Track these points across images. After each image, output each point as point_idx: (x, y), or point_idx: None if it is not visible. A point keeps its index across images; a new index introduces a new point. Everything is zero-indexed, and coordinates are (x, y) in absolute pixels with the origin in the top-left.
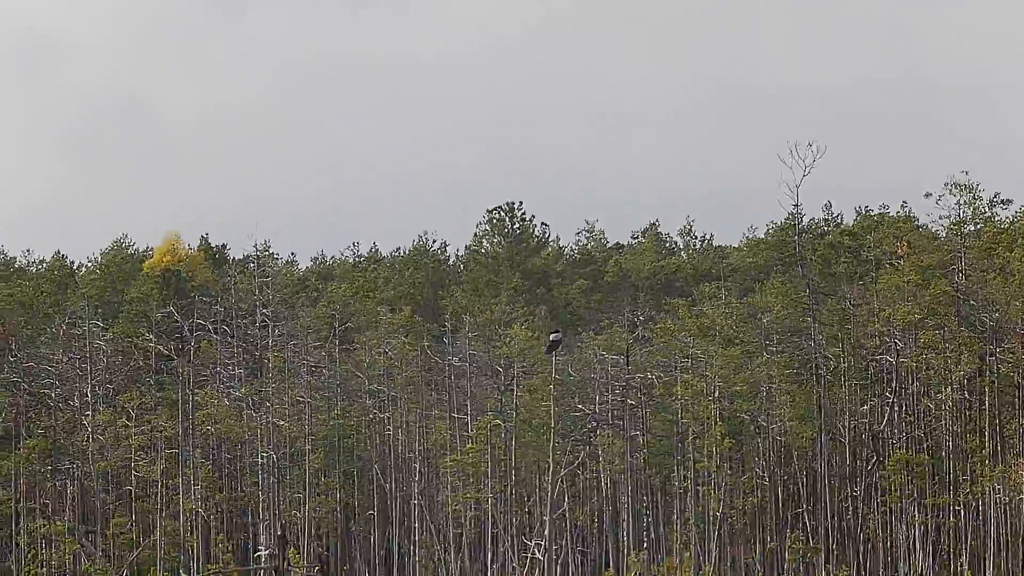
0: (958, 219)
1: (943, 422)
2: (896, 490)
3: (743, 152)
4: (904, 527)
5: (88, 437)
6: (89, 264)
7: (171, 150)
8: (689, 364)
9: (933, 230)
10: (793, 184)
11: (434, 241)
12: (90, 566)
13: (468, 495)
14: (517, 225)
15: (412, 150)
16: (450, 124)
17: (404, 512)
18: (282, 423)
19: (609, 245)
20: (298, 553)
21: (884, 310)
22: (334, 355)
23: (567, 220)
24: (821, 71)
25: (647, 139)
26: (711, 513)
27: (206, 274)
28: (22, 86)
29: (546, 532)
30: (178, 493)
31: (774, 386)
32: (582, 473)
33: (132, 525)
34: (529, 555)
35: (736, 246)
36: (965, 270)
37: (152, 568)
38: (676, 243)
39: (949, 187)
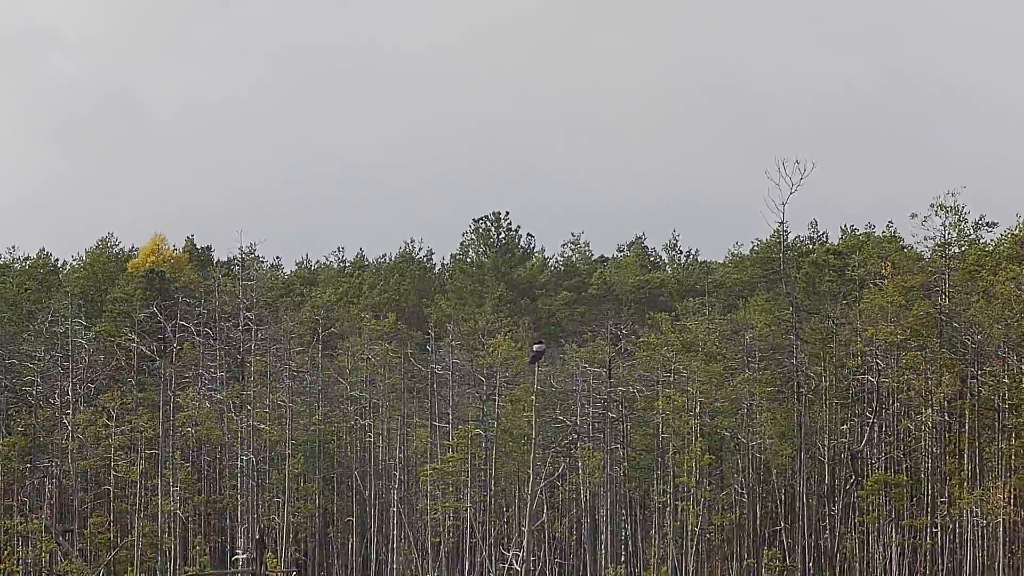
0: (943, 241)
1: (922, 443)
2: (874, 510)
3: (729, 166)
4: (881, 548)
5: (68, 436)
6: (74, 262)
7: (158, 146)
8: (671, 379)
9: (918, 251)
10: (779, 201)
11: (420, 249)
12: (66, 565)
13: (447, 504)
14: (503, 235)
15: (398, 156)
16: (438, 130)
17: (383, 519)
18: (263, 427)
19: (594, 258)
20: (275, 557)
21: (867, 330)
22: (317, 360)
23: (552, 231)
24: (810, 86)
25: (633, 151)
26: (689, 528)
27: (190, 275)
28: (8, 79)
29: (524, 543)
30: (156, 494)
31: (755, 403)
32: (561, 485)
33: (109, 525)
34: (507, 565)
35: (721, 262)
36: (948, 292)
37: (129, 568)
38: (661, 257)
39: (935, 208)
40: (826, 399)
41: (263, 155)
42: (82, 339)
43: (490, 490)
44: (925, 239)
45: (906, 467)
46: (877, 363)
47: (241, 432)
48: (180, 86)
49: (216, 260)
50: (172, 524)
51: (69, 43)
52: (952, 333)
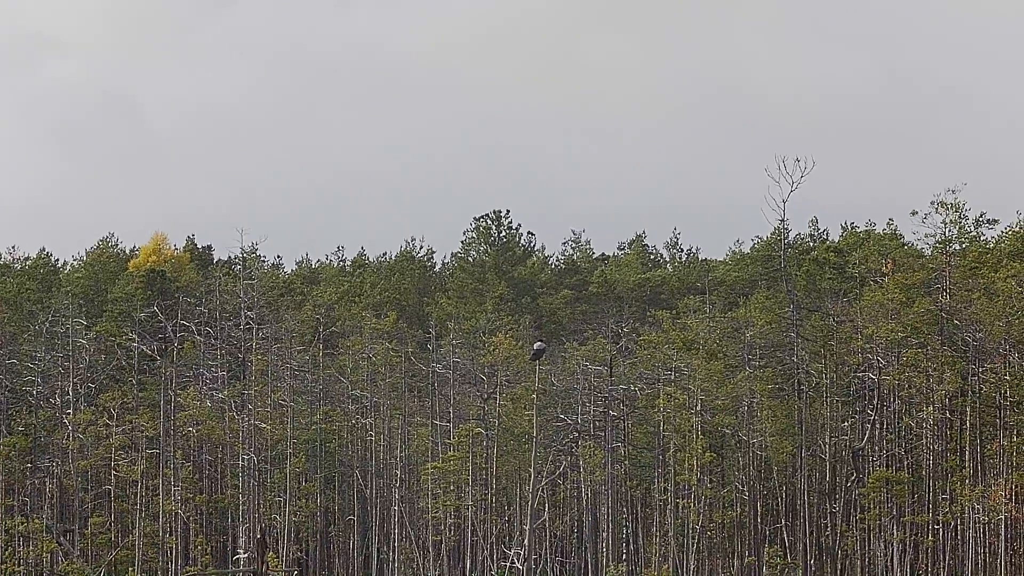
0: (944, 238)
1: (924, 440)
2: (875, 507)
3: (730, 165)
4: (882, 545)
5: (69, 435)
6: (74, 262)
7: (158, 148)
8: (672, 377)
9: (919, 248)
10: (780, 199)
11: (421, 247)
12: (67, 565)
13: (448, 502)
14: (504, 234)
15: (398, 156)
16: (439, 129)
17: (384, 518)
18: (264, 426)
19: (595, 256)
20: (277, 556)
21: (867, 327)
22: (318, 359)
23: (553, 229)
24: (810, 85)
25: (634, 149)
26: (690, 526)
27: (191, 275)
28: (8, 82)
29: (526, 541)
30: (158, 494)
31: (756, 401)
32: (563, 483)
33: (110, 525)
34: (508, 563)
35: (721, 260)
36: (949, 289)
37: (130, 568)
38: (662, 255)
39: (936, 206)
40: (827, 396)
41: (264, 156)
42: (83, 339)
43: (491, 488)
44: (926, 236)
45: (907, 464)
46: (878, 360)
47: (242, 431)
48: (180, 88)
49: (217, 259)
50: (173, 524)
51: (68, 46)
52: (953, 330)
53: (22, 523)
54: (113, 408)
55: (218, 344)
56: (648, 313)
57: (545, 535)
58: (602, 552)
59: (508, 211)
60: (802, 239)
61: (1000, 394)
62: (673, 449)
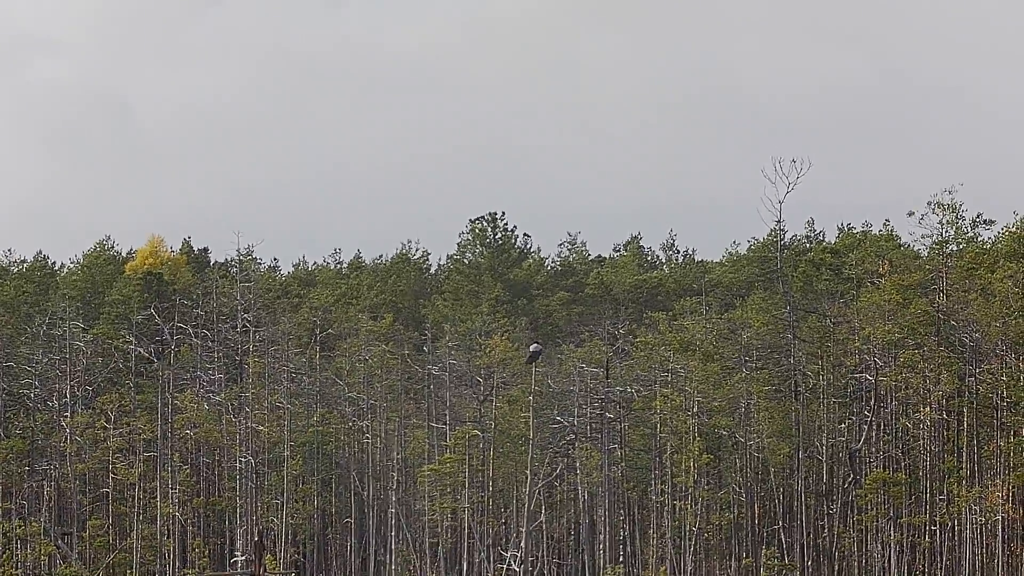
0: (940, 239)
1: (921, 441)
2: (872, 509)
3: (726, 165)
4: (879, 546)
5: (66, 438)
6: (71, 265)
7: (152, 149)
8: (668, 379)
9: (915, 249)
10: (776, 200)
11: (417, 250)
12: (65, 568)
13: (445, 505)
14: (499, 235)
15: (394, 157)
16: (433, 130)
17: (381, 520)
18: (261, 428)
19: (591, 257)
20: (275, 559)
21: (864, 328)
22: (314, 362)
23: (549, 231)
24: (805, 85)
25: (630, 150)
26: (687, 528)
27: (188, 277)
28: (1, 83)
29: (522, 543)
30: (155, 497)
31: (753, 402)
32: (559, 485)
33: (108, 527)
34: (505, 566)
35: (718, 261)
36: (946, 290)
37: (128, 571)
38: (658, 257)
39: (932, 206)
40: (824, 398)
41: (258, 157)
42: (80, 341)
43: (488, 491)
44: (922, 237)
45: (904, 465)
46: (875, 361)
47: (239, 434)
48: (171, 89)
49: (213, 262)
50: (171, 526)
51: (58, 47)
52: (950, 331)
53: (20, 526)
54: (110, 411)
55: (215, 346)
56: (644, 315)
57: (542, 537)
58: (599, 554)
59: (504, 213)
60: (798, 240)
61: (997, 395)
62: (670, 451)
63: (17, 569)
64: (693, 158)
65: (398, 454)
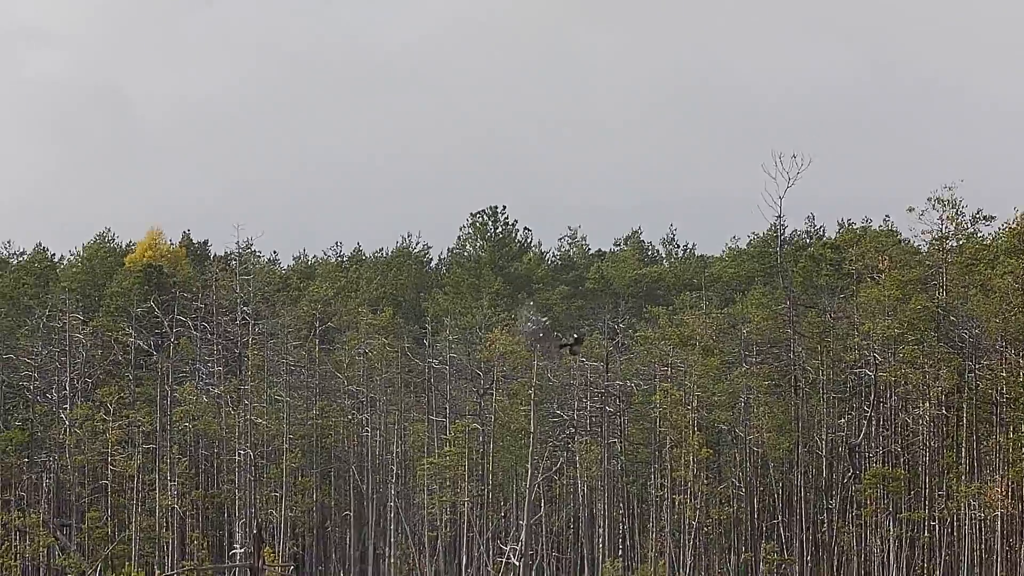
0: (940, 234)
1: (920, 437)
2: (871, 504)
3: (727, 160)
4: (879, 541)
5: (65, 430)
6: (71, 257)
7: (152, 142)
8: (668, 373)
9: (915, 245)
10: (776, 195)
11: (417, 243)
12: (64, 559)
13: (444, 498)
14: (500, 229)
15: (395, 150)
16: (435, 125)
17: (380, 513)
18: (260, 421)
19: (591, 252)
20: (273, 552)
21: (864, 324)
22: (314, 355)
23: (550, 225)
24: (807, 80)
25: (630, 145)
26: (687, 522)
27: (187, 270)
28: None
29: (522, 537)
30: (154, 489)
31: (752, 397)
32: (559, 479)
33: (107, 519)
34: (504, 559)
35: (718, 256)
36: (946, 286)
37: (127, 563)
38: (658, 251)
39: (932, 202)
40: (823, 393)
41: (258, 150)
42: (79, 334)
43: (487, 484)
44: (922, 233)
45: (904, 461)
46: (874, 357)
47: (238, 427)
48: (169, 82)
49: (213, 255)
50: (170, 518)
51: (57, 41)
52: (950, 327)
53: (19, 517)
54: (110, 403)
55: (214, 339)
56: (644, 309)
57: (541, 531)
58: (598, 548)
59: (504, 207)
60: (798, 235)
61: (997, 391)
62: (669, 445)
63: (16, 560)
64: (693, 153)
65: (398, 447)
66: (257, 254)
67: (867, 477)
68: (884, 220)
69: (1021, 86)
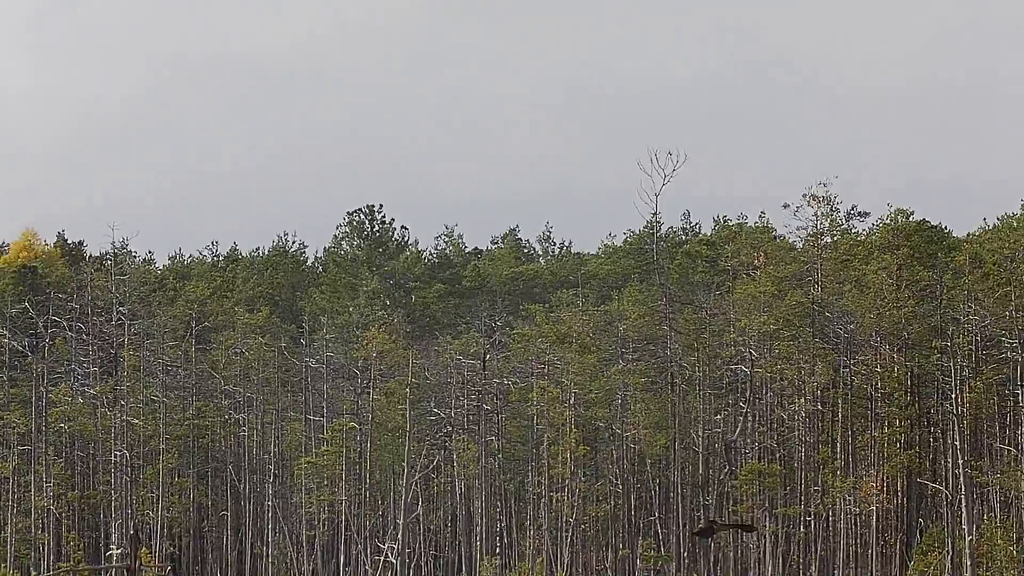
0: (815, 231)
1: (796, 433)
2: (748, 499)
3: (603, 157)
4: (755, 536)
5: None
6: None
7: (25, 142)
8: (545, 370)
9: (790, 241)
10: (652, 192)
11: (294, 242)
12: None
13: (322, 497)
14: (377, 228)
15: (270, 150)
16: (311, 124)
17: (258, 513)
18: (136, 422)
19: (468, 250)
20: (150, 552)
21: (740, 320)
22: (190, 355)
23: (426, 223)
24: (683, 77)
25: (505, 142)
26: (564, 519)
27: (62, 271)
28: None
29: (400, 535)
30: (29, 490)
31: (629, 394)
32: (437, 477)
33: None
34: (382, 558)
35: (594, 253)
36: (821, 282)
37: (1, 564)
38: (534, 249)
39: (807, 199)
40: (700, 389)
41: (132, 151)
42: None
43: (365, 483)
44: (797, 229)
45: (780, 456)
46: (750, 353)
47: (115, 427)
48: (42, 86)
49: (88, 255)
50: (45, 520)
51: None
52: (824, 323)
53: None
54: None
55: (90, 340)
56: (521, 307)
57: (419, 529)
58: (476, 546)
59: (381, 205)
60: (675, 232)
61: (871, 386)
62: (547, 443)
63: None
64: (569, 150)
65: (275, 447)
66: (132, 254)
67: (743, 473)
68: (759, 217)
69: (895, 83)
